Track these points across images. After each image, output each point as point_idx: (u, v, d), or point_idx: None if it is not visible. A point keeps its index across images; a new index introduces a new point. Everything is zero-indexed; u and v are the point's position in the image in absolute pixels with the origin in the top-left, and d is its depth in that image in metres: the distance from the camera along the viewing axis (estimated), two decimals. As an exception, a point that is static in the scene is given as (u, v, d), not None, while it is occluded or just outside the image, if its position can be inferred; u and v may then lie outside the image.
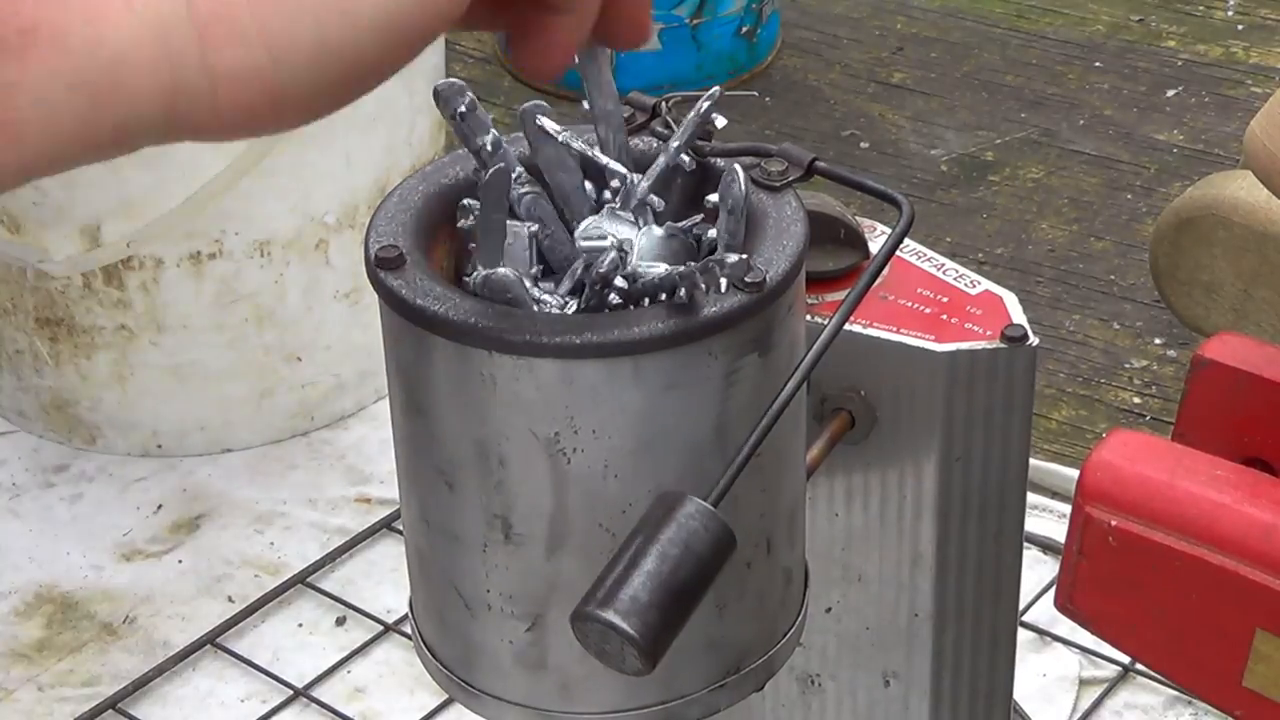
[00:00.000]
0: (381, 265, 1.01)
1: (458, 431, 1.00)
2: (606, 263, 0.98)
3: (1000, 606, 1.29)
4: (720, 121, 1.05)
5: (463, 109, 1.02)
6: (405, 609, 1.17)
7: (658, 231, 1.02)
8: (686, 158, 1.05)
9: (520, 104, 1.06)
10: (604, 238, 1.01)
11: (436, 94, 1.03)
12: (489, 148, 1.03)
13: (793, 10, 2.91)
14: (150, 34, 0.65)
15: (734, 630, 1.05)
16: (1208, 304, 2.03)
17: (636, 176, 1.06)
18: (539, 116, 1.04)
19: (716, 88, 1.07)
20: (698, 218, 1.06)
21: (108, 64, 0.64)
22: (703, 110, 1.05)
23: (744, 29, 2.72)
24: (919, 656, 1.30)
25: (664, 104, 1.11)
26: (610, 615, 0.91)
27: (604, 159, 1.05)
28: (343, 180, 1.97)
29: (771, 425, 0.97)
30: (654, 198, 1.04)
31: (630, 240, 1.01)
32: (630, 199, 1.03)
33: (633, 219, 1.03)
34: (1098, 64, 2.77)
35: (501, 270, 1.00)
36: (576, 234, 1.02)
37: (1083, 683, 1.73)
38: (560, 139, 1.04)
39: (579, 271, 1.01)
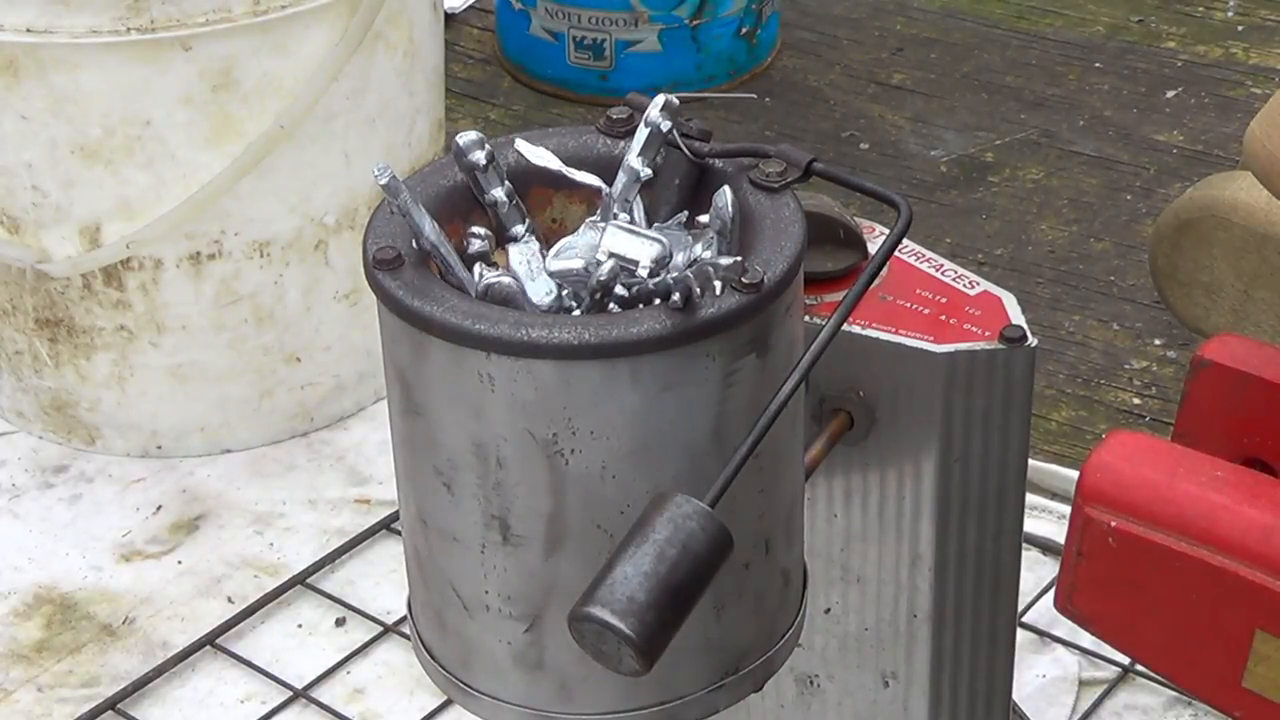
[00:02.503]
0: (379, 266, 1.01)
1: (456, 433, 1.00)
2: (606, 271, 0.98)
3: (999, 607, 1.29)
4: (665, 125, 1.05)
5: (481, 162, 1.03)
6: (405, 610, 1.17)
7: (624, 228, 1.02)
8: (649, 169, 1.05)
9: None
10: (574, 259, 1.01)
11: (455, 145, 1.04)
12: (503, 199, 1.04)
13: (793, 10, 2.90)
14: None
15: (732, 631, 1.05)
16: (1208, 305, 2.03)
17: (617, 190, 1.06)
18: (518, 141, 1.05)
19: (661, 95, 1.06)
20: (683, 216, 1.06)
21: None
22: (650, 118, 1.05)
23: (744, 29, 2.71)
24: (918, 657, 1.29)
25: (661, 105, 1.11)
26: (607, 615, 0.91)
27: (575, 175, 1.05)
28: (342, 180, 1.97)
29: (769, 426, 0.97)
30: (621, 214, 1.05)
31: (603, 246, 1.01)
32: (609, 211, 1.04)
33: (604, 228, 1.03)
34: (1098, 64, 2.77)
35: (504, 279, 1.00)
36: (547, 256, 1.03)
37: (1083, 683, 1.73)
38: (537, 164, 1.05)
39: (559, 292, 1.02)
